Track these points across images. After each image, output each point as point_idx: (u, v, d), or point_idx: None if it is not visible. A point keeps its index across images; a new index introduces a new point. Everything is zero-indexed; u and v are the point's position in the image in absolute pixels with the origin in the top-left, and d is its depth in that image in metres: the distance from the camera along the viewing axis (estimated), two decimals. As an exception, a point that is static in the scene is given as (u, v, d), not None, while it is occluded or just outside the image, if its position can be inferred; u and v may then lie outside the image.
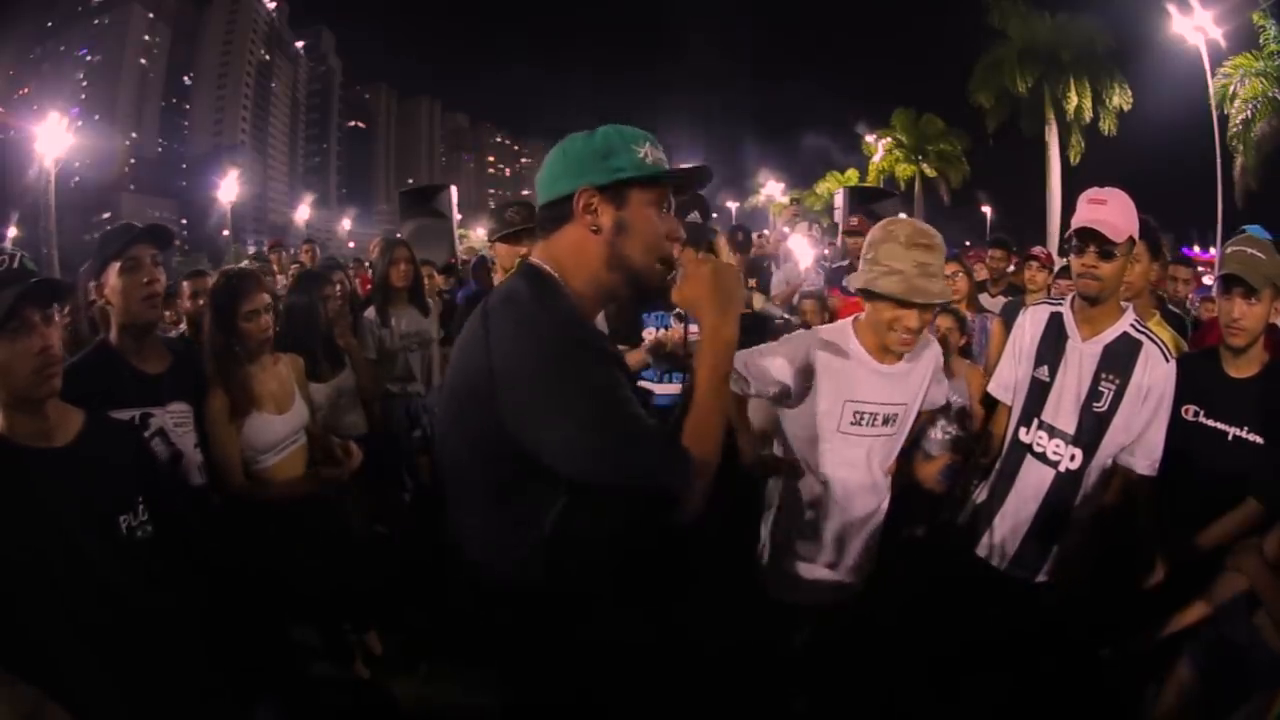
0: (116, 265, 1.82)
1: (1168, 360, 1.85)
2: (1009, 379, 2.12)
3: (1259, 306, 1.84)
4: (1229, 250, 1.92)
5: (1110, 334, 1.90)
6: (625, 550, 1.16)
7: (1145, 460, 1.88)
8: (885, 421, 1.87)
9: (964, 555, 2.13)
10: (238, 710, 1.47)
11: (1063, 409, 1.94)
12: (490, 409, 1.03)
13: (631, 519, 1.13)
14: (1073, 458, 1.92)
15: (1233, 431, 1.90)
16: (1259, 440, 1.86)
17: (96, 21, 76.51)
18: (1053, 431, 1.96)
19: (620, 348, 2.52)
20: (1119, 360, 1.88)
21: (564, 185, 1.12)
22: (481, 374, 1.05)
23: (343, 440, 2.19)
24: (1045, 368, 2.00)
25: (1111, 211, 1.83)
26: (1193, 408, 1.96)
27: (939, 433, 3.17)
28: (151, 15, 78.99)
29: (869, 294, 1.75)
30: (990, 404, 2.28)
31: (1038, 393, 2.00)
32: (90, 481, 1.26)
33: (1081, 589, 1.96)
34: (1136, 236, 1.86)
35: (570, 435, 1.01)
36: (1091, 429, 1.90)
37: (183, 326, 3.47)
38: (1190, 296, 4.13)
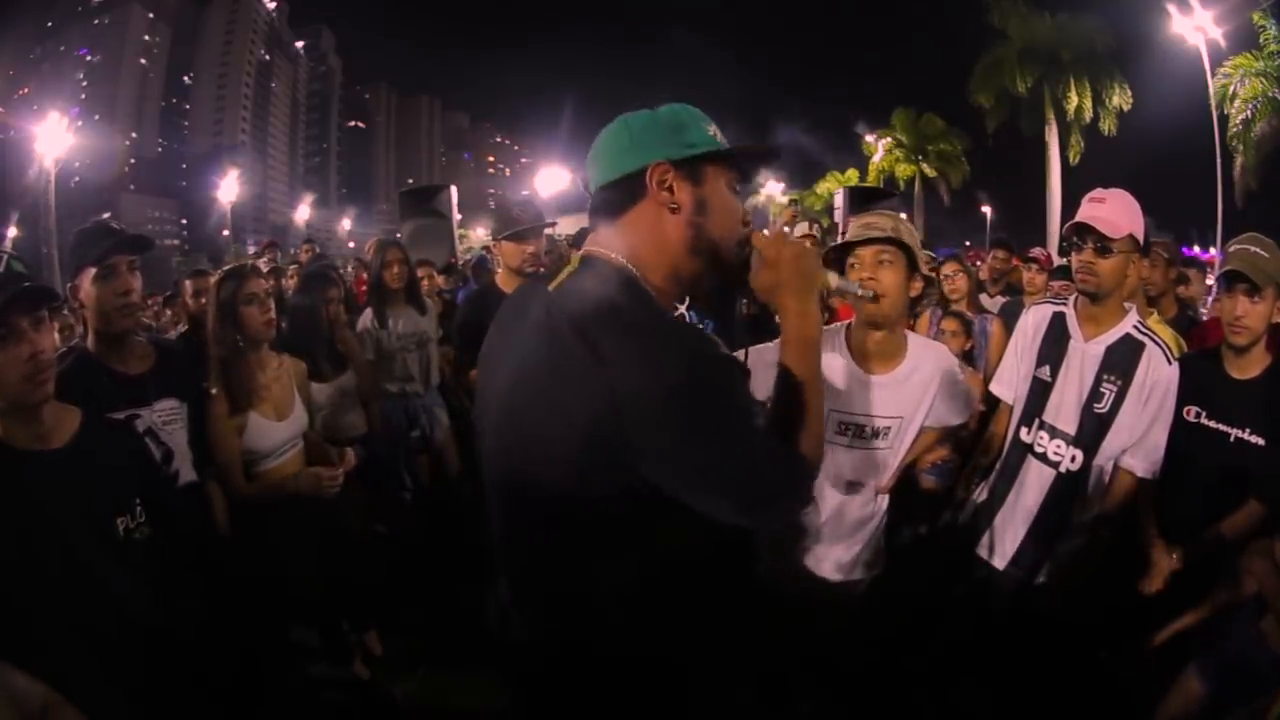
0: (92, 271, 1.78)
1: (1170, 363, 1.85)
2: (1010, 378, 2.12)
3: (1262, 305, 1.83)
4: (1232, 248, 1.91)
5: (1112, 335, 1.90)
6: (723, 570, 1.05)
7: (1145, 463, 1.87)
8: (876, 434, 1.78)
9: (964, 554, 2.12)
10: (238, 711, 1.46)
11: (1064, 410, 1.94)
12: (609, 440, 0.88)
13: (739, 533, 1.02)
14: (1073, 459, 1.92)
15: (1234, 433, 1.89)
16: (1260, 442, 1.85)
17: (96, 21, 76.55)
18: (1054, 432, 1.95)
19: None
20: (1121, 361, 1.87)
21: (632, 160, 0.99)
22: (595, 403, 0.88)
23: (339, 448, 2.20)
24: (1047, 367, 1.99)
25: (1110, 209, 1.82)
26: (1194, 409, 1.95)
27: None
28: (151, 15, 79.05)
29: (837, 258, 1.73)
30: (991, 403, 2.27)
31: (1039, 393, 2.00)
32: (87, 483, 1.26)
33: (1081, 589, 1.96)
34: (1140, 236, 1.85)
35: (717, 463, 0.89)
36: (1092, 430, 1.90)
37: (183, 326, 3.48)
38: (1207, 300, 4.11)
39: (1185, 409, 1.94)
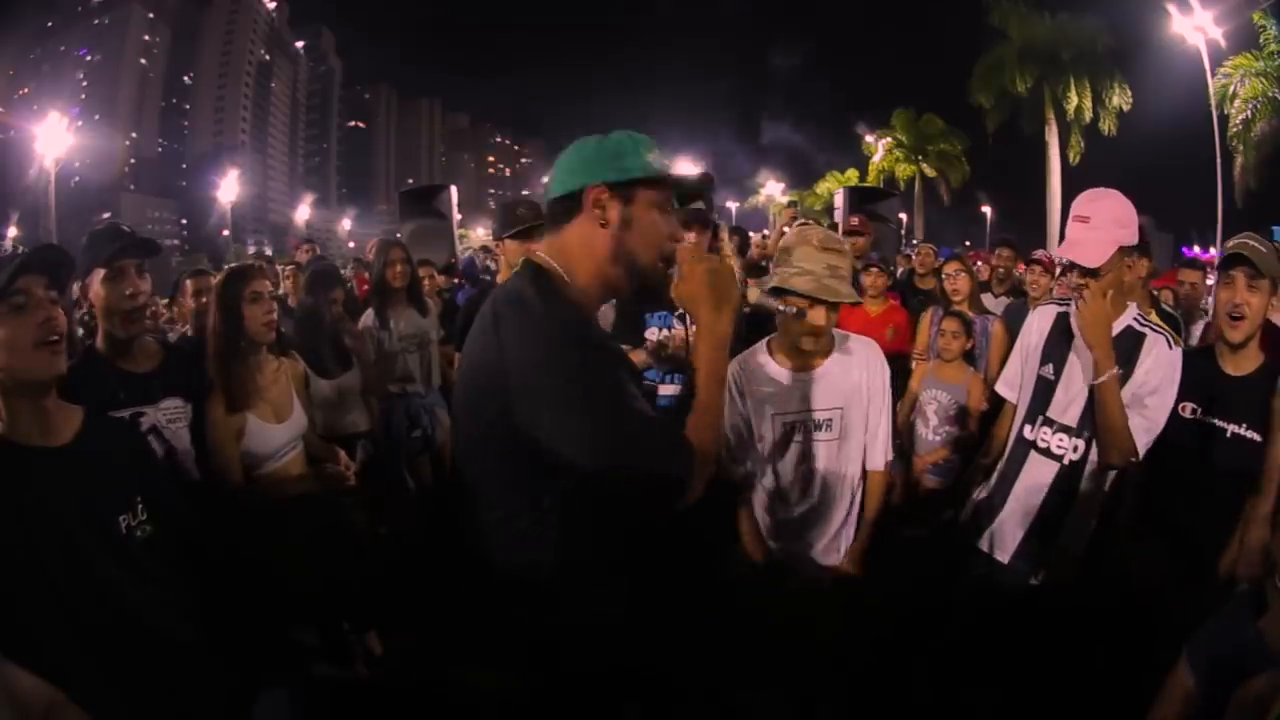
0: (101, 272, 1.84)
1: (1172, 347, 1.85)
2: (1015, 378, 2.14)
3: (1260, 296, 1.84)
4: (1233, 241, 1.93)
5: (1114, 329, 1.89)
6: (632, 535, 1.23)
7: (1143, 425, 1.83)
8: (819, 427, 1.91)
9: (966, 551, 2.14)
10: (238, 710, 1.46)
11: (1066, 404, 1.95)
12: (504, 406, 1.08)
13: (638, 506, 1.18)
14: (1075, 449, 1.94)
15: (1231, 428, 1.91)
16: (1257, 438, 1.87)
17: (96, 21, 76.55)
18: (1056, 426, 1.97)
19: (623, 347, 2.53)
20: (1122, 353, 1.87)
21: (576, 181, 1.18)
22: (494, 373, 1.11)
23: (340, 453, 2.22)
24: (1050, 366, 2.00)
25: (1094, 229, 1.81)
26: (1190, 405, 1.96)
27: (930, 434, 3.19)
28: (151, 15, 79.04)
29: (780, 292, 1.81)
30: (994, 405, 2.28)
31: (1043, 391, 2.01)
32: (90, 481, 1.26)
33: (1083, 586, 1.98)
34: (1131, 240, 1.84)
35: (581, 429, 1.06)
36: (1094, 419, 1.90)
37: (185, 327, 3.47)
38: (1207, 300, 4.11)
39: (1182, 405, 1.95)
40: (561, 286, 1.17)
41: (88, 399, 1.38)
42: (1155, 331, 1.88)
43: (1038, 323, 2.09)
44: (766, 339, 1.99)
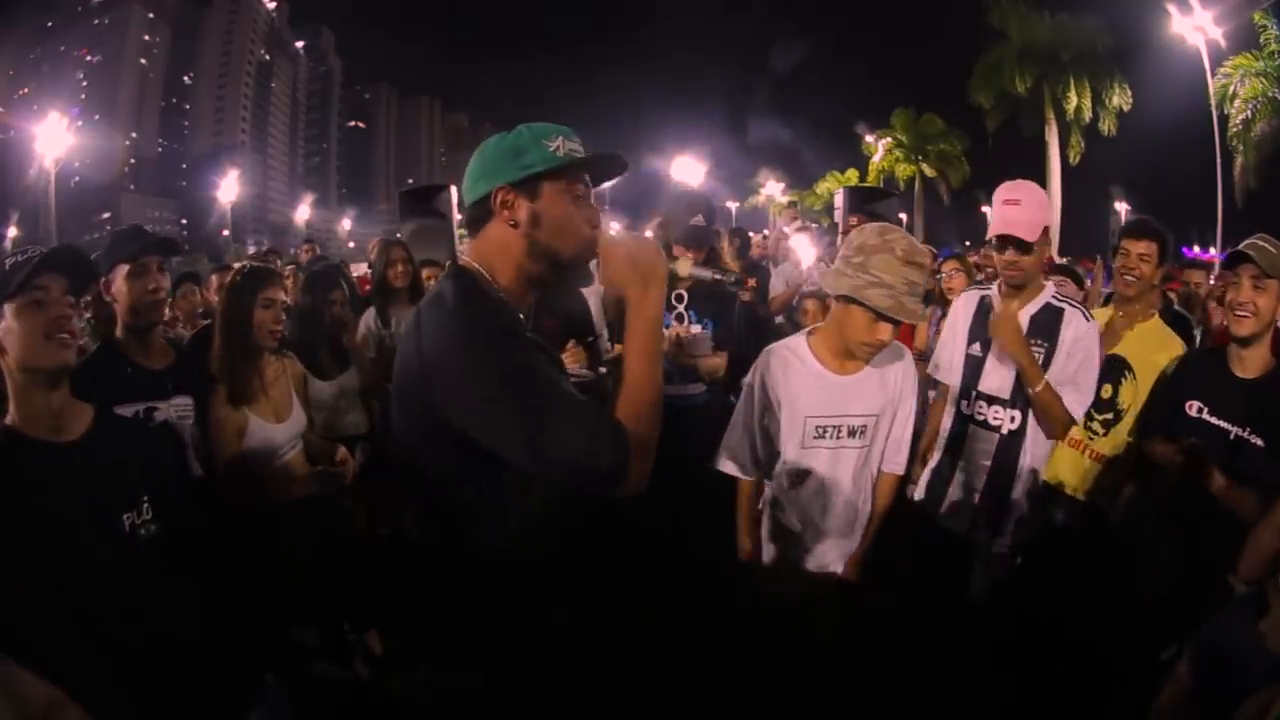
0: (125, 268, 1.92)
1: (1088, 320, 2.01)
2: (947, 361, 2.24)
3: (1266, 296, 1.82)
4: (1245, 242, 1.91)
5: (1034, 306, 2.05)
6: (567, 528, 1.24)
7: (1075, 403, 1.97)
8: (851, 434, 1.85)
9: (931, 527, 2.20)
10: (239, 710, 1.46)
11: (997, 377, 2.07)
12: (427, 402, 1.10)
13: (572, 496, 1.17)
14: (1012, 419, 2.05)
15: (1235, 431, 1.88)
16: (1260, 443, 1.84)
17: (96, 21, 76.57)
18: (990, 400, 2.08)
19: (620, 347, 2.53)
20: (1045, 327, 2.02)
21: (483, 186, 1.18)
22: (415, 370, 1.13)
23: (341, 451, 2.22)
24: (978, 344, 2.13)
25: (1024, 211, 1.98)
26: (1196, 404, 1.96)
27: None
28: (151, 15, 79.05)
29: (849, 300, 1.69)
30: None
31: (973, 368, 2.13)
32: (95, 478, 1.26)
33: (1080, 582, 2.01)
34: (1048, 221, 2.02)
35: (502, 420, 1.05)
36: (1024, 392, 2.01)
37: (185, 327, 3.48)
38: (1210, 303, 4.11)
39: (1188, 404, 1.97)
40: (483, 285, 1.18)
41: (105, 390, 1.41)
42: (1072, 307, 2.03)
43: (963, 307, 2.23)
44: (806, 331, 1.92)
